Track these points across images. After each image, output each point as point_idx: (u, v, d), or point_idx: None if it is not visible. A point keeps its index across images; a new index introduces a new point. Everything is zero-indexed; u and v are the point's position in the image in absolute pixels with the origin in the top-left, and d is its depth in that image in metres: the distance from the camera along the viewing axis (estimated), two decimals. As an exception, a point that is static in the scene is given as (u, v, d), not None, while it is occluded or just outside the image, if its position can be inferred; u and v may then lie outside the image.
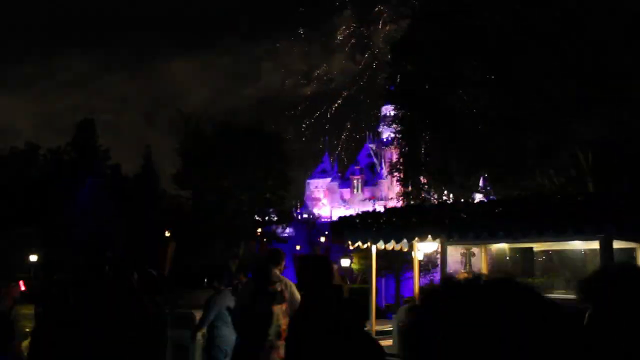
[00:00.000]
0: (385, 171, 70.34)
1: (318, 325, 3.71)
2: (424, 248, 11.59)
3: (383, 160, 71.62)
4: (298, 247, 55.06)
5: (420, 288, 10.18)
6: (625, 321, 1.68)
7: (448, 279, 1.04)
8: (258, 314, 5.44)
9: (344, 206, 68.20)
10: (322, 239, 59.64)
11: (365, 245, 11.23)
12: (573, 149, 14.69)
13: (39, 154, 46.29)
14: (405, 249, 12.60)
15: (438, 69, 15.50)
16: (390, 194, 68.92)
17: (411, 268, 37.38)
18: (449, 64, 15.26)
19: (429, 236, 9.73)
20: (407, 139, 17.95)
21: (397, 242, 10.44)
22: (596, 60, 13.38)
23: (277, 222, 29.87)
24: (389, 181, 70.15)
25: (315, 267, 4.20)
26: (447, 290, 1.02)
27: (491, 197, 16.14)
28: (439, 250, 10.02)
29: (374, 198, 66.71)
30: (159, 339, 5.29)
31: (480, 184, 21.54)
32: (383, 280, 49.20)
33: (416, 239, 9.96)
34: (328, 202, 66.73)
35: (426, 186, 18.35)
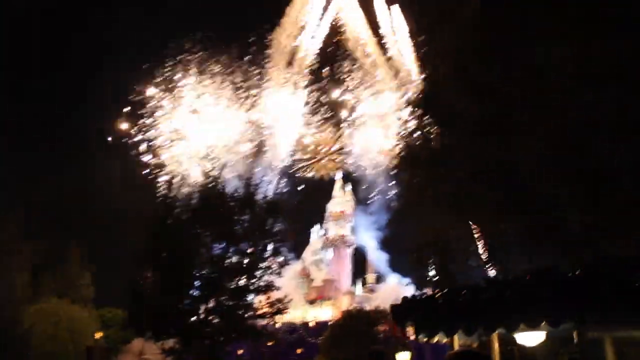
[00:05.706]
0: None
1: None
2: (526, 340, 8.09)
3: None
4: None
5: None
6: None
7: None
8: None
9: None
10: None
11: (446, 340, 7.75)
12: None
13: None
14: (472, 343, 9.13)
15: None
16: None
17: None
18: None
19: (567, 319, 6.40)
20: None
21: (510, 330, 6.99)
22: None
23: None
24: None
25: None
26: None
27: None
28: (577, 341, 6.63)
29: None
30: None
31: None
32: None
33: (543, 323, 6.56)
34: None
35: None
